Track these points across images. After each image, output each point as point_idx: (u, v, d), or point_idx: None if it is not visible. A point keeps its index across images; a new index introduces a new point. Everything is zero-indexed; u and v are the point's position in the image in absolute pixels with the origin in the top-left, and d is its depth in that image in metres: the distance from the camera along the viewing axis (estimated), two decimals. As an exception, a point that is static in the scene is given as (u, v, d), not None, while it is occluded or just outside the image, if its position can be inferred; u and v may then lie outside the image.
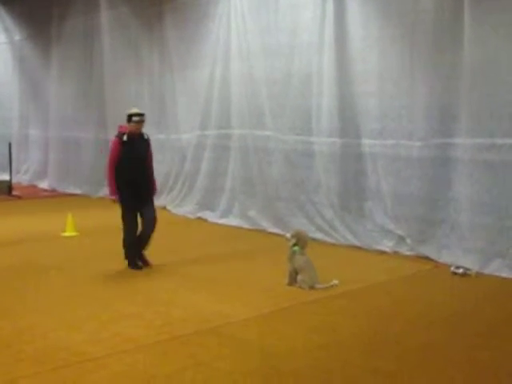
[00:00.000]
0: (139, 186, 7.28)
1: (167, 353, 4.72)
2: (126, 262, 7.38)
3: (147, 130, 12.65)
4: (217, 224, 10.62)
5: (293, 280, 6.59)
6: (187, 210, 11.49)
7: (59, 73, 15.44)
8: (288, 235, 6.78)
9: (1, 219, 11.06)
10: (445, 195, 7.72)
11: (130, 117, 7.21)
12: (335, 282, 6.61)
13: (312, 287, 6.46)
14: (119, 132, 7.30)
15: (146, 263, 7.42)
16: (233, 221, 10.46)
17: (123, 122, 14.22)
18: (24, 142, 17.05)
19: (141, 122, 7.28)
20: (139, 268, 7.31)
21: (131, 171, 7.17)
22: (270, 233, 9.62)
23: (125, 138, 7.16)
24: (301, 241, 6.64)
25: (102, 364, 4.47)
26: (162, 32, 12.26)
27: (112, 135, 13.58)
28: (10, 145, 14.87)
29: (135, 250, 7.38)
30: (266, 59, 9.89)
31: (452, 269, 7.25)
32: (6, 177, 14.98)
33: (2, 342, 4.91)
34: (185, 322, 5.43)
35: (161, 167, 12.48)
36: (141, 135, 7.35)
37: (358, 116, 8.68)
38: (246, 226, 10.20)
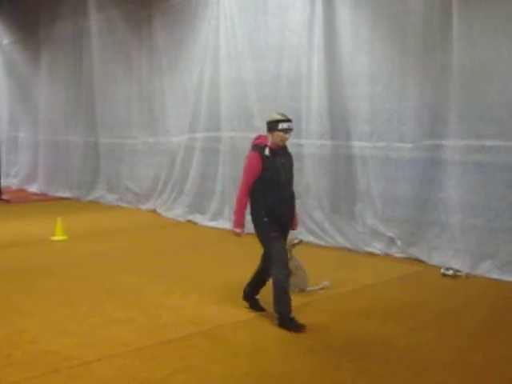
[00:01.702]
0: (281, 216, 5.57)
1: (158, 356, 4.69)
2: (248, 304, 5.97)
3: (135, 133, 12.82)
4: (207, 227, 10.60)
5: None
6: (177, 213, 11.46)
7: (48, 76, 15.38)
8: None
9: (-10, 223, 11.00)
10: (435, 197, 7.74)
11: (274, 123, 5.42)
12: (326, 283, 6.61)
13: (302, 290, 6.45)
14: (257, 144, 5.52)
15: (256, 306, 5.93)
16: (223, 224, 10.43)
17: (113, 124, 14.22)
18: (13, 145, 16.97)
19: (290, 130, 5.50)
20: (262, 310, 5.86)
21: (274, 195, 5.45)
22: (261, 235, 9.60)
23: (267, 152, 5.41)
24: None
25: (92, 368, 4.44)
26: (150, 35, 12.23)
27: (102, 138, 13.75)
28: (-2, 148, 14.83)
29: (256, 288, 5.95)
30: (255, 61, 9.89)
31: (442, 270, 7.27)
32: (-5, 180, 14.91)
33: (-9, 347, 4.87)
34: (176, 326, 5.41)
35: (150, 170, 12.51)
36: (284, 148, 5.59)
37: (348, 118, 8.69)
38: (236, 229, 10.15)
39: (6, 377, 4.28)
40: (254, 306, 5.88)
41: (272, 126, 5.43)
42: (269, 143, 5.44)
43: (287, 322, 5.34)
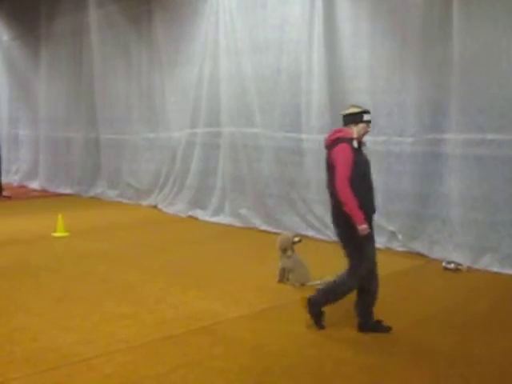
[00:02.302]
0: (373, 212, 5.23)
1: (159, 352, 4.69)
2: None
3: (135, 128, 12.82)
4: (208, 222, 10.59)
5: (282, 277, 6.58)
6: (178, 208, 11.46)
7: (48, 72, 15.36)
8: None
9: (-9, 220, 11.01)
10: (436, 191, 7.74)
11: (359, 115, 5.15)
12: (328, 278, 6.60)
13: (303, 284, 6.46)
14: (342, 137, 5.10)
15: (382, 328, 5.25)
16: (224, 219, 10.44)
17: (113, 120, 14.22)
18: (14, 142, 16.97)
19: (370, 122, 5.26)
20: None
21: (365, 190, 5.08)
22: (262, 230, 9.61)
23: (355, 144, 5.05)
24: (280, 245, 6.61)
25: (93, 365, 4.44)
26: (150, 30, 12.22)
27: (103, 134, 13.74)
28: (-1, 145, 14.82)
29: (370, 306, 5.27)
30: (255, 56, 9.87)
31: (443, 264, 7.27)
32: (-5, 177, 14.91)
33: (-8, 343, 4.87)
34: (176, 321, 5.41)
35: (151, 166, 12.51)
36: (363, 142, 5.28)
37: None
38: (237, 224, 10.18)
39: (8, 373, 4.28)
40: (381, 328, 5.23)
41: (357, 117, 5.13)
42: (355, 135, 5.09)
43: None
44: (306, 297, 5.40)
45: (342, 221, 5.05)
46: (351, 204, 4.89)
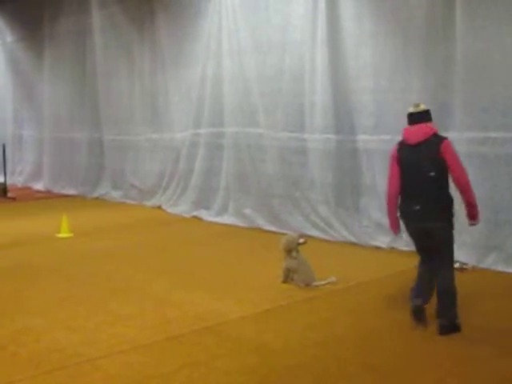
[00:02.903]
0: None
1: (164, 353, 4.70)
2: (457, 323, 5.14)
3: (139, 129, 12.82)
4: (212, 223, 10.59)
5: (287, 277, 6.58)
6: (182, 209, 11.46)
7: (52, 74, 15.38)
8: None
9: (-5, 221, 11.04)
10: (440, 190, 7.70)
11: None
12: (333, 278, 6.60)
13: (308, 285, 6.45)
14: (439, 134, 5.27)
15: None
16: (228, 219, 10.43)
17: (117, 121, 14.26)
18: (18, 143, 17.00)
19: None
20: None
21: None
22: (266, 230, 9.60)
23: None
24: (285, 247, 6.61)
25: (97, 365, 4.44)
26: (153, 31, 12.22)
27: (106, 135, 13.75)
28: (3, 146, 14.82)
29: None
30: (258, 56, 9.86)
31: (448, 263, 7.24)
32: (0, 179, 14.93)
33: (-3, 344, 4.88)
34: (181, 322, 5.41)
35: (155, 167, 12.52)
36: None
37: (353, 112, 8.66)
38: (241, 224, 10.17)
39: (13, 374, 4.29)
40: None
41: (430, 115, 5.32)
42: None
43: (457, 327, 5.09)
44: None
45: (446, 216, 5.11)
46: (474, 196, 5.11)
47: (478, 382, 4.25)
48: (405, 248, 8.08)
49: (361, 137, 8.58)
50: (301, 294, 6.24)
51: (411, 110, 5.37)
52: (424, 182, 5.09)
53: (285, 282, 6.58)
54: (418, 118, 5.27)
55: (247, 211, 10.17)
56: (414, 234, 5.36)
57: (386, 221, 8.22)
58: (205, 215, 10.94)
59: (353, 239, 8.59)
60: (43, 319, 5.51)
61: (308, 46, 9.03)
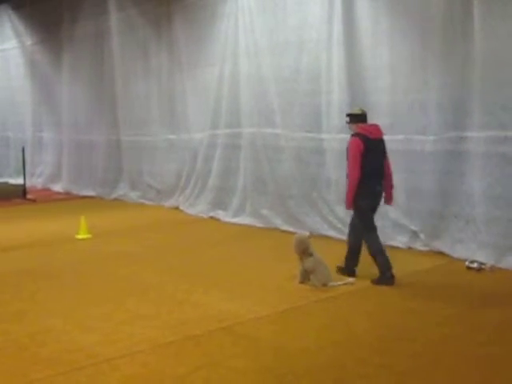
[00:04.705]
0: None
1: (181, 353, 4.72)
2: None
3: (157, 130, 12.88)
4: (229, 223, 10.61)
5: (304, 278, 6.58)
6: (200, 209, 11.49)
7: (71, 76, 15.51)
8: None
9: (16, 223, 11.16)
10: (458, 189, 7.65)
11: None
12: (350, 280, 6.58)
13: (325, 285, 6.44)
14: None
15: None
16: (245, 219, 10.44)
17: (135, 122, 14.35)
18: (37, 145, 17.14)
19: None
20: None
21: None
22: (283, 231, 9.59)
23: None
24: (298, 248, 6.59)
25: (115, 365, 4.48)
26: (170, 32, 12.28)
27: (124, 136, 13.83)
28: (23, 149, 14.98)
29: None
30: (274, 57, 9.87)
31: (467, 263, 7.19)
32: (20, 180, 15.09)
33: (17, 345, 4.94)
34: (198, 322, 5.43)
35: (172, 167, 12.57)
36: None
37: (370, 111, 8.57)
38: (258, 224, 10.18)
39: (33, 374, 4.34)
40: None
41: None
42: None
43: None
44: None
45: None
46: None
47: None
48: (423, 248, 8.05)
49: (378, 136, 8.53)
50: (318, 294, 6.23)
51: (358, 111, 6.91)
52: (381, 169, 6.69)
53: (302, 282, 6.58)
54: (365, 118, 6.84)
55: (264, 211, 10.17)
56: (370, 207, 6.79)
57: (404, 221, 8.26)
58: (222, 216, 10.96)
59: (370, 239, 8.54)
60: (62, 319, 5.56)
61: (324, 46, 9.02)
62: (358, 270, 6.91)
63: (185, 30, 11.87)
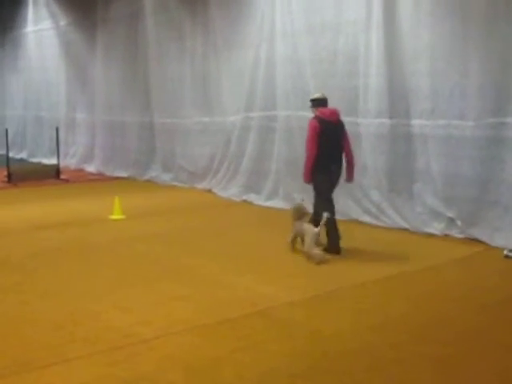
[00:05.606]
0: None
1: (215, 335, 4.71)
2: None
3: (190, 112, 12.83)
4: (262, 207, 10.57)
5: (295, 239, 7.28)
6: (232, 192, 11.46)
7: (104, 57, 15.53)
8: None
9: (49, 203, 11.26)
10: (498, 176, 7.49)
11: None
12: (324, 214, 6.86)
13: (320, 262, 6.65)
14: None
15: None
16: (278, 203, 10.38)
17: (168, 104, 14.29)
18: (71, 126, 17.27)
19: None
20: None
21: None
22: (316, 215, 9.51)
23: None
24: (296, 212, 7.25)
25: (152, 346, 4.48)
26: (205, 13, 12.18)
27: (157, 118, 13.84)
28: (57, 129, 15.11)
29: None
30: (311, 38, 9.72)
31: (505, 252, 7.05)
32: (54, 161, 15.23)
33: (55, 323, 4.96)
34: (232, 305, 5.41)
35: (205, 150, 12.53)
36: None
37: (408, 96, 8.46)
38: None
39: (70, 352, 4.36)
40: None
41: None
42: None
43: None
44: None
45: None
46: None
47: None
48: (459, 235, 7.92)
49: (416, 121, 8.38)
50: (350, 279, 6.17)
51: (320, 96, 7.45)
52: (336, 149, 7.26)
53: (292, 242, 7.26)
54: (326, 102, 7.39)
55: (297, 195, 10.08)
56: (327, 183, 7.27)
57: (440, 207, 8.11)
58: (255, 199, 10.92)
59: (405, 225, 8.43)
60: (98, 299, 5.58)
61: (362, 27, 8.86)
62: (395, 257, 6.82)
63: (220, 11, 11.76)
